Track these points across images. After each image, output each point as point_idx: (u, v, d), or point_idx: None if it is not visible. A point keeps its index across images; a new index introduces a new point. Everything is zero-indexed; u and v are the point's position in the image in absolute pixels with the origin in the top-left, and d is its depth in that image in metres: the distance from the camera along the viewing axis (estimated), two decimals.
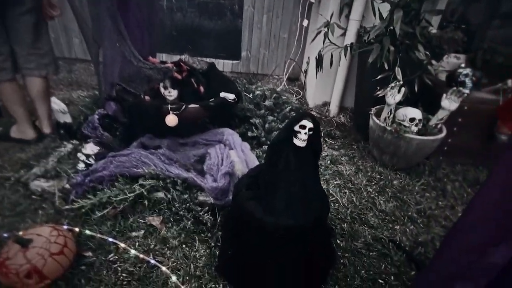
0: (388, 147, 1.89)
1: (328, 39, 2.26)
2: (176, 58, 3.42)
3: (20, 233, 1.14)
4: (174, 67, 1.65)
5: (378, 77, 1.94)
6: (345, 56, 2.27)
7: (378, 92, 1.89)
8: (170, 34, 3.33)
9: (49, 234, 1.13)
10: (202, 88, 1.79)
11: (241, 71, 3.56)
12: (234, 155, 1.52)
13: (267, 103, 2.15)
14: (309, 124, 0.98)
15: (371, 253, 1.38)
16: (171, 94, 1.69)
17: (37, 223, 1.34)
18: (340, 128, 2.55)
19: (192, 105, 1.55)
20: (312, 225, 1.00)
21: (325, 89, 2.75)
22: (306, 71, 3.11)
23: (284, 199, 1.00)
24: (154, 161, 1.47)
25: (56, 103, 2.15)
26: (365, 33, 2.16)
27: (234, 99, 1.72)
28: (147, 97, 1.62)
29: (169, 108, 1.50)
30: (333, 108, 2.71)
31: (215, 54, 3.44)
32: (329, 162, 2.01)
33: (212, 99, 1.67)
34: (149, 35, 1.86)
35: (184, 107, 1.52)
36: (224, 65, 3.51)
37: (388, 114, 1.92)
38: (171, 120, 1.50)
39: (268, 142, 1.87)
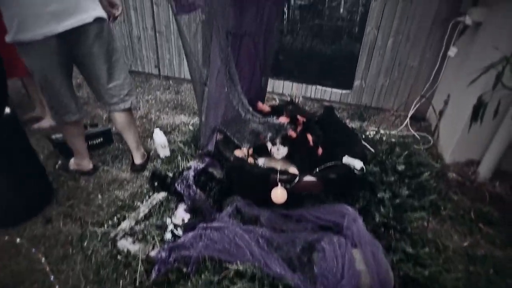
0: None
1: (501, 82, 1.58)
2: (280, 84, 3.20)
3: None
4: (289, 124, 1.31)
5: None
6: None
7: None
8: (276, 58, 3.07)
9: None
10: (320, 149, 1.40)
11: (351, 102, 3.05)
12: (359, 261, 1.07)
13: (398, 168, 1.61)
14: None
15: None
16: (280, 152, 1.36)
17: None
18: (495, 203, 1.80)
19: (307, 178, 1.17)
20: None
21: (475, 142, 2.01)
22: (441, 112, 2.40)
23: None
24: (251, 246, 1.14)
25: (158, 136, 2.08)
26: None
27: (362, 169, 1.26)
28: (250, 159, 1.32)
29: (277, 179, 1.16)
30: (485, 171, 1.96)
31: (324, 81, 3.03)
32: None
33: (331, 164, 1.26)
34: (261, 69, 1.57)
35: (297, 179, 1.15)
36: (331, 94, 3.06)
37: None
38: (279, 196, 1.16)
39: (398, 228, 1.35)
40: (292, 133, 1.33)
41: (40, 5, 1.29)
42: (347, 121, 2.82)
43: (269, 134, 1.21)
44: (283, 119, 1.37)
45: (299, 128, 1.42)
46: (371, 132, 2.50)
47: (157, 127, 2.52)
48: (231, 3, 1.21)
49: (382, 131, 2.52)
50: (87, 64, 1.55)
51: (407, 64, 2.72)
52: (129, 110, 1.79)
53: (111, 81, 1.64)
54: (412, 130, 2.56)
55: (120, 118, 1.77)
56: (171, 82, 3.66)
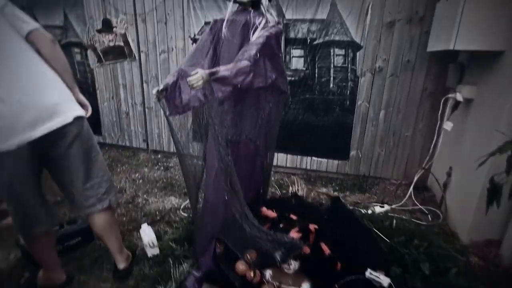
0: None
1: None
2: (274, 157, 3.06)
3: None
4: (302, 240, 1.14)
5: None
6: None
7: None
8: None
9: None
10: (339, 264, 1.21)
11: (349, 173, 2.95)
12: None
13: (422, 266, 1.42)
14: None
15: None
16: (291, 266, 1.16)
17: None
18: None
19: None
20: None
21: (492, 221, 1.88)
22: (445, 185, 2.31)
23: None
24: None
25: (146, 233, 1.85)
26: None
27: (391, 285, 1.07)
28: (256, 279, 1.12)
29: None
30: (508, 252, 1.79)
31: (319, 152, 2.96)
32: None
33: (351, 279, 1.06)
34: (262, 165, 1.44)
35: None
36: (328, 164, 2.97)
37: None
38: None
39: None
40: (306, 249, 1.15)
41: (14, 115, 1.16)
42: (347, 193, 2.69)
43: (280, 254, 1.03)
44: (295, 234, 1.20)
45: (312, 236, 1.24)
46: (375, 207, 2.36)
47: (144, 215, 2.31)
48: (230, 110, 1.14)
49: (386, 206, 2.39)
50: (62, 167, 1.36)
51: (401, 134, 2.71)
52: (108, 210, 1.56)
53: (88, 181, 1.44)
54: (417, 203, 2.43)
55: (99, 220, 1.54)
56: (159, 156, 3.52)
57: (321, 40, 2.61)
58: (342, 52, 2.60)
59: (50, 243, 1.53)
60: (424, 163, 2.44)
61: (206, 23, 2.88)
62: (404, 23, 2.43)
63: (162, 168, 3.21)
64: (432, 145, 2.33)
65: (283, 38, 2.52)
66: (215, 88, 1.09)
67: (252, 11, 1.40)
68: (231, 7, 1.40)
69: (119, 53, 3.29)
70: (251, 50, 1.19)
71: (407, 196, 2.51)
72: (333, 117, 2.81)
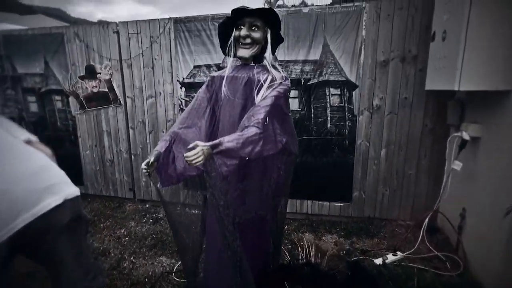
0: None
1: None
2: None
3: None
4: None
5: None
6: None
7: None
8: None
9: None
10: None
11: (352, 215, 2.77)
12: None
13: None
14: None
15: None
16: None
17: None
18: None
19: None
20: None
21: None
22: (460, 228, 2.15)
23: None
24: None
25: None
26: None
27: None
28: None
29: None
30: None
31: (320, 195, 2.78)
32: None
33: None
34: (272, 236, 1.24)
35: None
36: (330, 208, 2.78)
37: None
38: None
39: None
40: None
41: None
42: (354, 239, 2.48)
43: None
44: None
45: None
46: (387, 256, 2.16)
47: (131, 285, 2.01)
48: (235, 185, 0.97)
49: (399, 254, 2.19)
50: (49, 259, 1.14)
51: (405, 173, 2.59)
52: None
53: (75, 267, 1.20)
54: (432, 248, 2.24)
55: None
56: (147, 206, 3.25)
57: (315, 80, 2.54)
58: (338, 91, 2.53)
59: None
60: (435, 205, 2.29)
61: (195, 67, 2.79)
62: (398, 61, 2.40)
63: (151, 220, 2.93)
64: (443, 185, 2.20)
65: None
66: (218, 163, 0.91)
67: (255, 66, 1.27)
68: (231, 63, 1.27)
69: (103, 99, 3.13)
70: (259, 114, 1.04)
71: (419, 240, 2.33)
72: (332, 157, 2.67)
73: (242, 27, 1.19)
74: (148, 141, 3.13)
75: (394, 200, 2.66)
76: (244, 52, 1.21)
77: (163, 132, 3.06)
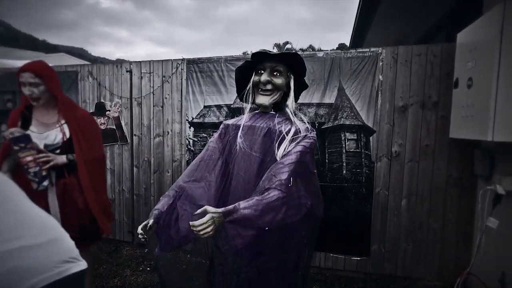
0: None
1: None
2: None
3: None
4: None
5: None
6: None
7: None
8: None
9: None
10: None
11: (371, 272, 2.48)
12: None
13: None
14: None
15: None
16: None
17: None
18: None
19: None
20: None
21: None
22: None
23: None
24: None
25: None
26: None
27: None
28: None
29: None
30: None
31: (335, 247, 2.52)
32: None
33: None
34: None
35: None
36: (345, 262, 2.51)
37: None
38: None
39: None
40: None
41: None
42: None
43: None
44: None
45: None
46: None
47: None
48: (249, 262, 0.79)
49: None
50: None
51: (429, 226, 2.35)
52: None
53: None
54: None
55: None
56: (146, 251, 3.01)
57: (330, 124, 2.43)
58: (354, 136, 2.40)
59: None
60: (469, 267, 2.02)
61: (206, 107, 2.72)
62: (418, 107, 2.29)
63: (148, 269, 2.68)
64: (476, 245, 1.95)
65: None
66: (231, 234, 0.75)
67: (276, 114, 1.14)
68: (248, 111, 1.15)
69: (110, 136, 3.05)
70: (282, 174, 0.89)
71: None
72: (348, 206, 2.47)
73: (262, 72, 1.09)
74: (152, 181, 2.99)
75: (418, 256, 2.39)
76: (263, 100, 1.10)
77: (168, 172, 2.92)
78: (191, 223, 0.72)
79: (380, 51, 2.32)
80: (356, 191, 2.44)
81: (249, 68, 1.13)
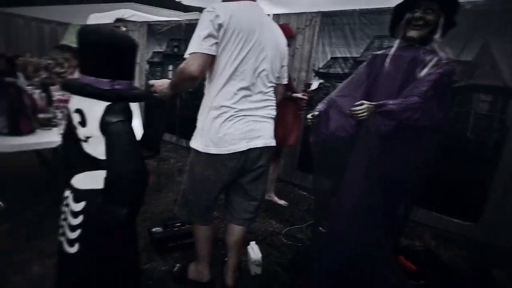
0: None
1: None
2: None
3: None
4: None
5: None
6: None
7: None
8: None
9: None
10: None
11: (478, 239, 2.45)
12: None
13: None
14: None
15: None
16: None
17: None
18: None
19: None
20: None
21: None
22: None
23: None
24: None
25: (254, 251, 1.90)
26: None
27: None
28: None
29: None
30: None
31: (439, 206, 2.55)
32: None
33: None
34: None
35: None
36: (449, 224, 2.54)
37: None
38: None
39: None
40: None
41: None
42: None
43: None
44: None
45: None
46: None
47: (248, 233, 2.37)
48: (385, 147, 1.09)
49: None
50: (256, 181, 1.53)
51: None
52: (248, 228, 1.69)
53: (255, 200, 1.59)
54: None
55: (241, 233, 1.65)
56: None
57: (462, 83, 2.35)
58: (489, 98, 2.28)
59: (211, 237, 1.66)
60: None
61: (332, 58, 2.97)
62: None
63: None
64: None
65: None
66: (378, 122, 1.07)
67: (423, 47, 1.33)
68: (397, 43, 1.38)
69: None
70: (422, 86, 1.14)
71: None
72: (465, 168, 2.43)
73: (417, 10, 1.29)
74: None
75: None
76: (413, 33, 1.30)
77: None
78: (352, 108, 1.06)
79: None
80: (479, 155, 2.37)
81: (406, 7, 1.33)
